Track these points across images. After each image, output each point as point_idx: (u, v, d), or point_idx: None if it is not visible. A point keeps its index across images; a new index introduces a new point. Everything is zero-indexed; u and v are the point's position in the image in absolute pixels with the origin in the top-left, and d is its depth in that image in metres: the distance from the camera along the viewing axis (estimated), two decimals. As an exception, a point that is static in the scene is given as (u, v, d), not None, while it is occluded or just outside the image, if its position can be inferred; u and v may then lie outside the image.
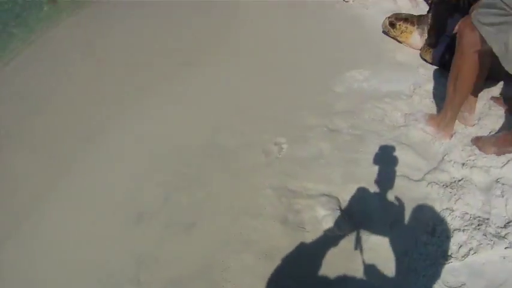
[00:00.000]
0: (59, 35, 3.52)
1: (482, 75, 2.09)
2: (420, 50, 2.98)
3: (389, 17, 3.14)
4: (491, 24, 1.65)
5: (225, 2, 3.70)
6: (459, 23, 1.99)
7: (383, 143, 2.16)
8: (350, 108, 2.40)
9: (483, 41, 1.70)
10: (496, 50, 1.66)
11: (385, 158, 2.09)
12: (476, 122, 2.25)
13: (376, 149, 2.13)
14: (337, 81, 2.61)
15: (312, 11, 3.64)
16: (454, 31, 2.58)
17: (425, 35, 3.03)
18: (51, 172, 2.25)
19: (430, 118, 2.20)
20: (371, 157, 2.09)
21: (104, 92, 2.78)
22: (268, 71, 2.80)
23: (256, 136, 2.28)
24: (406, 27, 3.02)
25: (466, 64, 1.84)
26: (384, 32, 3.24)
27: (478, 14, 1.71)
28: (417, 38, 3.04)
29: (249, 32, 3.36)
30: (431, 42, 2.95)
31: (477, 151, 2.08)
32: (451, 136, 2.14)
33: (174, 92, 2.73)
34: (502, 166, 2.02)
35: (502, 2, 1.58)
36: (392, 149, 2.14)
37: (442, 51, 2.76)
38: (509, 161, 2.02)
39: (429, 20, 2.99)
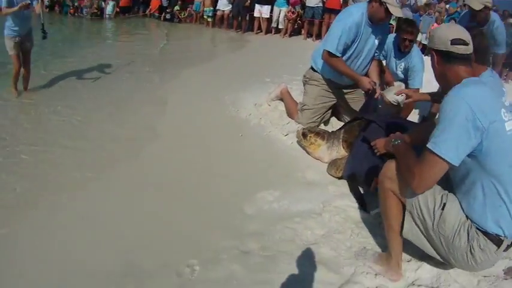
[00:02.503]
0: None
1: None
2: (327, 165, 3.12)
3: (304, 128, 3.36)
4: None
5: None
6: (383, 167, 1.99)
7: (295, 262, 2.10)
8: (261, 230, 2.36)
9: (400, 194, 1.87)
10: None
11: (298, 276, 2.01)
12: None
13: (288, 269, 2.05)
14: (248, 202, 2.61)
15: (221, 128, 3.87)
16: (366, 146, 2.67)
17: (334, 149, 3.19)
18: None
19: (379, 257, 2.09)
20: (284, 277, 2.00)
21: None
22: (181, 193, 2.77)
23: (169, 257, 2.13)
24: (316, 140, 3.21)
25: (389, 199, 1.92)
26: (297, 142, 3.43)
27: (410, 197, 1.83)
28: (324, 151, 3.22)
29: (163, 153, 3.40)
30: (342, 155, 3.09)
31: None
32: (401, 275, 2.01)
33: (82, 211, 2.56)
34: (417, 269, 2.04)
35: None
36: (305, 267, 2.07)
37: (353, 164, 2.86)
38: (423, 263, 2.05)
39: (341, 135, 3.21)
